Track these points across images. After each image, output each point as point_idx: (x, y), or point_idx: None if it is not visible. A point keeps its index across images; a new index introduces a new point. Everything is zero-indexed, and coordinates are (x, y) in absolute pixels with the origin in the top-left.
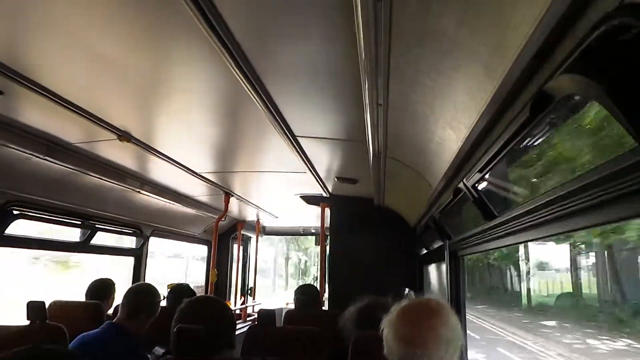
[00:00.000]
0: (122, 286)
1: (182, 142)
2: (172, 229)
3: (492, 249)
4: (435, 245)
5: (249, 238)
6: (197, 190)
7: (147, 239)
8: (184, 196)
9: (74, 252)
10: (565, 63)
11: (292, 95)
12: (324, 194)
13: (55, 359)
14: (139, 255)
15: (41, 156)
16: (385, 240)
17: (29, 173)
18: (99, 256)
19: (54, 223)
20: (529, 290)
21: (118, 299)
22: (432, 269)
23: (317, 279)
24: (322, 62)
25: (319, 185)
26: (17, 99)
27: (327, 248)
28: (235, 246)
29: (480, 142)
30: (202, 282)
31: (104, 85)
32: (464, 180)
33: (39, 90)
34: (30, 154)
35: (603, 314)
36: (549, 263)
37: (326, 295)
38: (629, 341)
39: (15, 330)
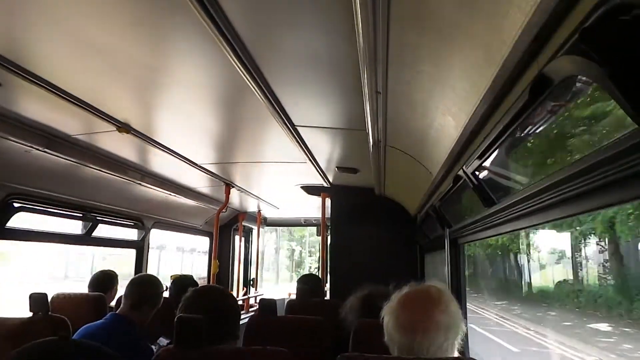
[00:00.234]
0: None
1: (182, 133)
2: (173, 220)
3: (492, 236)
4: (436, 234)
5: (251, 229)
6: (198, 181)
7: (148, 231)
8: (184, 188)
9: (75, 244)
10: (566, 45)
11: (292, 85)
12: (325, 184)
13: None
14: (141, 247)
15: (41, 148)
16: (386, 229)
17: (30, 166)
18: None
19: (55, 216)
20: (559, 282)
21: (120, 291)
22: (432, 257)
23: (311, 270)
24: (321, 51)
25: (319, 175)
26: (16, 90)
27: (328, 238)
28: (237, 237)
29: (480, 128)
30: (201, 274)
31: (102, 76)
32: (464, 167)
33: (38, 82)
34: (30, 146)
35: None
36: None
37: (327, 284)
38: None
39: (17, 322)
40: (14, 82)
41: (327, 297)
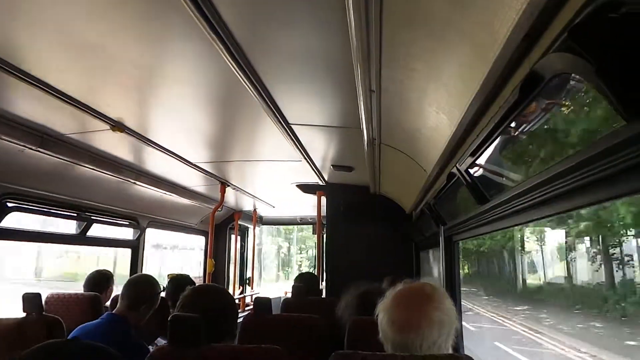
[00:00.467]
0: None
1: (176, 131)
2: (168, 220)
3: (486, 233)
4: (431, 231)
5: (247, 228)
6: (193, 180)
7: (143, 230)
8: (180, 187)
9: (70, 244)
10: (556, 42)
11: (286, 83)
12: (320, 182)
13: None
14: (136, 247)
15: (34, 148)
16: (382, 227)
17: (23, 165)
18: None
19: (49, 215)
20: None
21: (116, 290)
22: (428, 254)
23: (301, 269)
24: (315, 49)
25: (314, 174)
26: (8, 89)
27: (324, 236)
28: (233, 236)
29: (473, 125)
30: (193, 274)
31: (96, 75)
32: (457, 164)
33: (31, 81)
34: (23, 145)
35: None
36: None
37: (323, 283)
38: None
39: (11, 322)
40: (7, 80)
41: (324, 295)
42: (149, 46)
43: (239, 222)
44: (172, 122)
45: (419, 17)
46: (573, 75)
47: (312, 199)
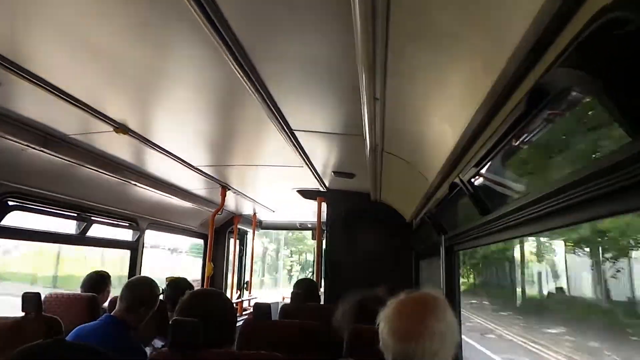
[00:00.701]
0: None
1: (178, 134)
2: (168, 222)
3: (487, 244)
4: (431, 240)
5: (246, 232)
6: (194, 183)
7: (143, 232)
8: (180, 189)
9: (70, 244)
10: (562, 56)
11: (289, 89)
12: (321, 189)
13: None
14: (135, 248)
15: (37, 147)
16: (382, 234)
17: (26, 164)
18: None
19: (50, 215)
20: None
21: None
22: (427, 263)
23: (292, 274)
24: (320, 56)
25: (315, 180)
26: (14, 89)
27: (324, 242)
28: (232, 240)
29: (477, 136)
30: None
31: (100, 76)
32: (460, 175)
33: (36, 81)
34: (26, 145)
35: None
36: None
37: (322, 289)
38: None
39: (10, 321)
40: (13, 81)
41: (322, 301)
42: (154, 49)
43: (238, 226)
44: (175, 125)
45: (425, 29)
46: (577, 89)
47: (312, 204)
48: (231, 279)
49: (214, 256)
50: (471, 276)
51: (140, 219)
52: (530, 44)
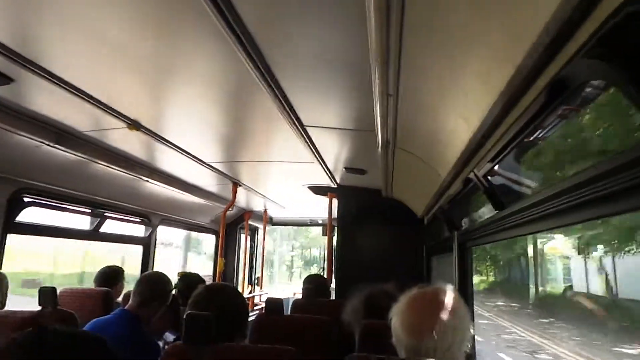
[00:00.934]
0: None
1: (190, 131)
2: (180, 218)
3: (501, 239)
4: (443, 236)
5: (257, 228)
6: (206, 179)
7: (155, 228)
8: (192, 185)
9: (83, 239)
10: (584, 48)
11: (302, 84)
12: (332, 185)
13: (69, 340)
14: (148, 244)
15: (51, 144)
16: (393, 230)
17: (40, 161)
18: None
19: (64, 211)
20: None
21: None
22: (439, 259)
23: (292, 271)
24: (333, 51)
25: (326, 176)
26: (28, 86)
27: (334, 239)
28: (243, 236)
29: (493, 130)
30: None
31: (114, 73)
32: (475, 170)
33: (50, 78)
34: (40, 141)
35: None
36: None
37: (333, 285)
38: None
39: (27, 314)
40: (27, 77)
41: (333, 297)
42: (167, 45)
43: (249, 222)
44: (188, 121)
45: (441, 23)
46: (597, 82)
47: (322, 200)
48: (242, 274)
49: (225, 252)
50: (491, 272)
51: (153, 215)
52: (551, 35)
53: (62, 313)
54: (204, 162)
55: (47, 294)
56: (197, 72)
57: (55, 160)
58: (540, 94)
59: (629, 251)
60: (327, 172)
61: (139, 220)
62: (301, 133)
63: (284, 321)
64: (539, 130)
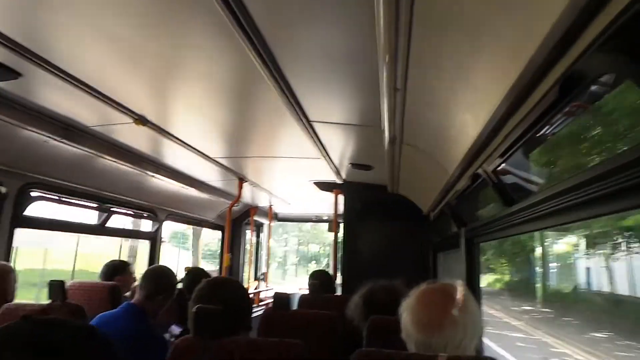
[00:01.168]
0: None
1: (197, 126)
2: (186, 213)
3: (510, 235)
4: (450, 232)
5: (262, 224)
6: (211, 175)
7: (161, 223)
8: (198, 181)
9: (90, 234)
10: (599, 40)
11: (308, 80)
12: (338, 181)
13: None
14: (154, 239)
15: (58, 139)
16: (399, 227)
17: (47, 156)
18: None
19: (71, 205)
20: None
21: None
22: (445, 255)
23: (286, 268)
24: (340, 46)
25: (332, 172)
26: (36, 81)
27: (340, 235)
28: (248, 232)
29: (502, 125)
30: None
31: (121, 68)
32: (483, 165)
33: (57, 73)
34: (47, 136)
35: None
36: None
37: (339, 280)
38: None
39: (37, 308)
40: (35, 72)
41: (339, 292)
42: (174, 41)
43: (255, 218)
44: (195, 117)
45: (451, 17)
46: (609, 77)
47: (328, 196)
48: (248, 270)
49: (231, 247)
50: (507, 270)
51: (159, 210)
52: (564, 28)
53: (71, 306)
54: (210, 158)
55: (56, 288)
56: (204, 68)
57: (62, 155)
58: (554, 87)
59: None
60: (333, 168)
61: (146, 215)
62: (307, 129)
63: (292, 316)
64: (552, 125)
